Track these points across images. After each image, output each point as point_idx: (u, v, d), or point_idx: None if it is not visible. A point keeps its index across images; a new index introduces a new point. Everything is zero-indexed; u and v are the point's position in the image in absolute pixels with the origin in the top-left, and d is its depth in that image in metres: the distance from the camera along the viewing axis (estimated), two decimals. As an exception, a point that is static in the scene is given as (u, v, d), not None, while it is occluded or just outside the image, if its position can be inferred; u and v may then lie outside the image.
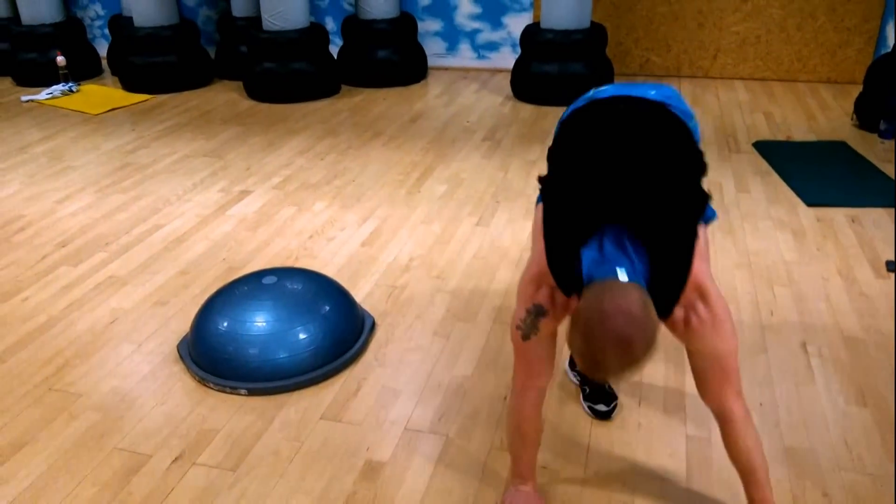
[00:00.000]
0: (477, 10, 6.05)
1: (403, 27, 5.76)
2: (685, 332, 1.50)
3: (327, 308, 2.38)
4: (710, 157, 4.05)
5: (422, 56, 5.96)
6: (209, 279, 2.90)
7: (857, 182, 3.69)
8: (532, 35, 5.18)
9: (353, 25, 5.73)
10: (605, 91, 1.65)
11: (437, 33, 6.21)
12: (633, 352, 1.26)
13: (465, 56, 6.23)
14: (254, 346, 2.24)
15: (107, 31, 6.91)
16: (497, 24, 6.06)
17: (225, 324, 2.29)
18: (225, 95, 5.61)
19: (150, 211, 3.56)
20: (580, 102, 1.65)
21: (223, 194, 3.74)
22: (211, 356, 2.28)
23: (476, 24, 6.11)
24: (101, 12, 7.02)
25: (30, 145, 4.56)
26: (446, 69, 6.25)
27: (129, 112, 5.26)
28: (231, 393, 2.23)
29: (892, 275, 2.80)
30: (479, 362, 2.35)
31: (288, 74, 5.32)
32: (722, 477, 1.87)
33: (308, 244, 3.18)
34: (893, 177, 3.71)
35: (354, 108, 5.21)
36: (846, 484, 1.84)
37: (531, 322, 1.55)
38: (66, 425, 2.11)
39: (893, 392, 2.17)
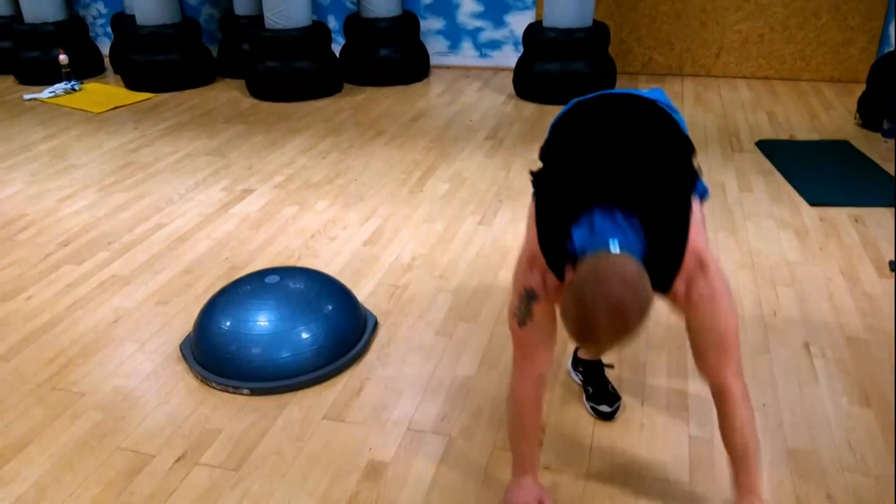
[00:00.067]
0: (479, 8, 6.04)
1: (405, 26, 5.75)
2: (686, 306, 1.50)
3: (330, 307, 2.38)
4: (713, 157, 4.04)
5: (424, 55, 5.96)
6: (212, 278, 2.90)
7: (860, 181, 3.68)
8: (534, 33, 5.17)
9: (356, 24, 5.73)
10: (591, 96, 1.70)
11: (439, 32, 6.21)
12: (626, 317, 1.26)
13: (467, 55, 6.22)
14: (256, 346, 2.24)
15: (109, 29, 6.92)
16: (499, 23, 6.05)
17: (227, 323, 2.29)
18: (227, 94, 5.61)
19: (153, 210, 3.56)
20: (569, 106, 1.70)
21: (225, 193, 3.74)
22: (213, 355, 2.28)
23: (478, 23, 6.10)
24: (104, 10, 7.02)
25: (32, 144, 4.57)
26: (448, 68, 6.25)
27: (131, 110, 5.26)
28: (234, 392, 2.23)
29: (894, 275, 2.79)
30: (481, 362, 2.35)
31: (290, 73, 5.32)
32: (725, 477, 1.86)
33: (310, 243, 3.18)
34: (894, 176, 3.71)
35: (357, 106, 5.21)
36: (850, 485, 1.84)
37: (524, 307, 1.56)
38: (68, 425, 2.11)
39: (894, 392, 2.17)
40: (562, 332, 2.44)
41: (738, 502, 1.63)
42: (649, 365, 2.31)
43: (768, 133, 4.43)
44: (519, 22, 5.99)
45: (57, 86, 5.72)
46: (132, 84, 5.75)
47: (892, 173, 3.75)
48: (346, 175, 3.94)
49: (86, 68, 6.14)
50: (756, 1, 5.47)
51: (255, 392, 2.22)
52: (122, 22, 6.19)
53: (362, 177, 3.91)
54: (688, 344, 2.39)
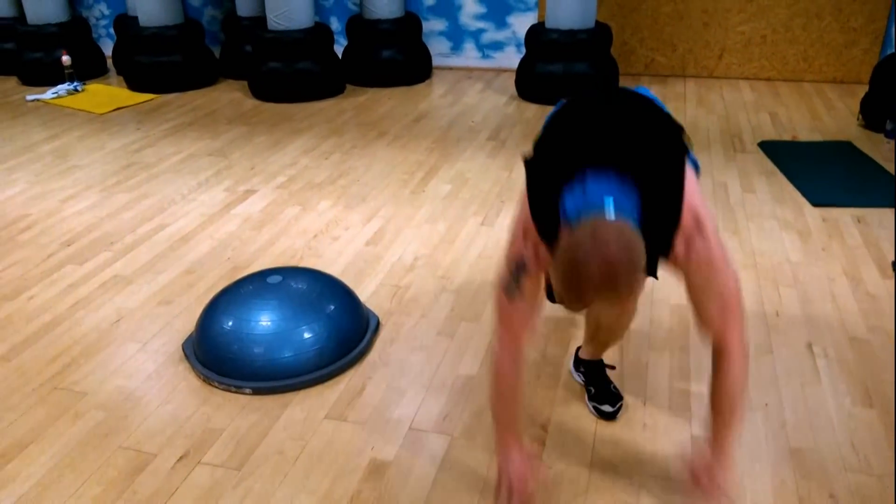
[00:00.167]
0: (481, 9, 6.04)
1: (408, 27, 5.76)
2: (686, 267, 1.50)
3: (332, 307, 2.38)
4: (716, 157, 4.04)
5: (426, 56, 5.96)
6: (214, 278, 2.90)
7: (862, 182, 3.68)
8: (537, 35, 5.17)
9: (358, 25, 5.74)
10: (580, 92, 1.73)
11: (441, 33, 6.21)
12: (617, 276, 1.27)
13: (469, 56, 6.23)
14: (258, 346, 2.24)
15: (112, 30, 6.93)
16: (502, 24, 6.05)
17: (230, 323, 2.29)
18: (230, 95, 5.62)
19: (156, 210, 3.56)
20: (559, 105, 1.72)
21: (228, 193, 3.74)
22: (216, 355, 2.28)
23: (481, 24, 6.10)
24: (107, 12, 7.03)
25: (35, 144, 4.57)
26: (451, 69, 6.25)
27: (134, 111, 5.26)
28: (236, 392, 2.23)
29: (895, 275, 2.79)
30: (483, 362, 2.35)
31: (293, 74, 5.33)
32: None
33: (313, 243, 3.18)
34: (894, 176, 3.70)
35: (359, 107, 5.21)
36: (853, 485, 1.83)
37: (514, 281, 1.56)
38: (71, 424, 2.11)
39: (894, 393, 2.16)
40: (560, 335, 2.44)
41: (709, 458, 1.62)
42: (651, 365, 2.31)
43: (771, 134, 4.42)
44: (521, 23, 5.99)
45: (60, 87, 5.73)
46: (135, 85, 5.76)
47: (895, 174, 3.74)
48: (349, 176, 3.94)
49: (89, 69, 6.15)
50: (758, 2, 5.46)
51: (257, 392, 2.22)
52: (124, 23, 6.21)
53: (365, 177, 3.91)
54: (689, 344, 2.39)
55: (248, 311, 2.30)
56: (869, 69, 5.39)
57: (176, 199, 3.69)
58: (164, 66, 5.66)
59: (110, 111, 5.26)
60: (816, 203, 3.43)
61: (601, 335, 2.05)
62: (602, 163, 1.41)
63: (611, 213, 1.33)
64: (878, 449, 1.95)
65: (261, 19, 5.77)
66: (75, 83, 5.78)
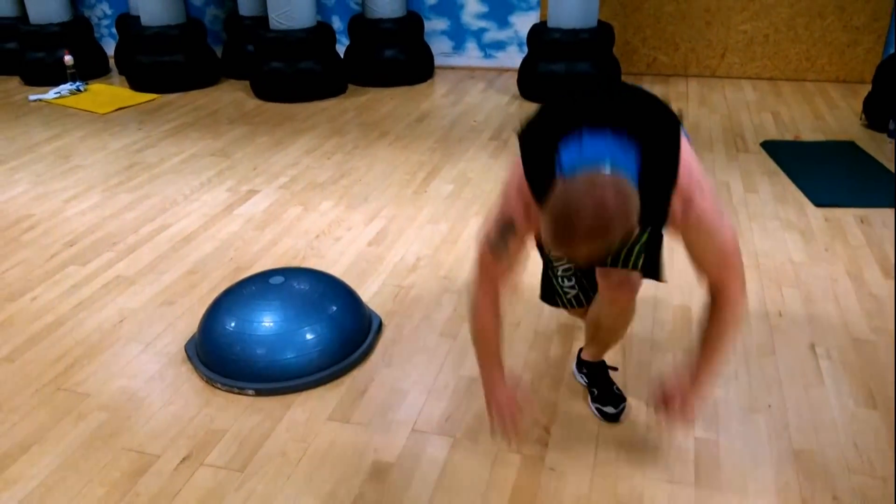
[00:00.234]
0: (483, 9, 6.04)
1: (410, 26, 5.75)
2: (685, 227, 1.51)
3: (334, 308, 2.38)
4: (718, 157, 4.03)
5: (428, 55, 5.96)
6: (216, 279, 2.91)
7: (865, 182, 3.67)
8: (539, 34, 5.17)
9: (360, 24, 5.73)
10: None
11: (443, 32, 6.21)
12: (609, 225, 1.28)
13: (471, 55, 6.22)
14: (261, 347, 2.24)
15: (114, 30, 6.93)
16: (504, 24, 6.05)
17: (232, 324, 2.29)
18: (232, 95, 5.62)
19: (158, 210, 3.57)
20: None
21: (230, 194, 3.75)
22: (218, 356, 2.28)
23: (483, 23, 6.10)
24: (109, 11, 7.03)
25: (38, 144, 4.58)
26: (453, 68, 6.25)
27: (136, 111, 5.27)
28: (238, 393, 2.23)
29: (895, 275, 2.79)
30: (486, 363, 2.35)
31: (295, 74, 5.33)
32: (730, 479, 1.86)
33: (315, 244, 3.18)
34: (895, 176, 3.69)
35: (361, 107, 5.21)
36: (856, 487, 1.83)
37: (502, 239, 1.59)
38: (74, 425, 2.11)
39: (894, 393, 2.16)
40: (563, 337, 2.44)
41: (685, 384, 1.70)
42: (654, 366, 2.31)
43: (773, 134, 4.42)
44: (523, 22, 5.99)
45: (62, 86, 5.73)
46: (137, 85, 5.76)
47: (898, 174, 3.74)
48: (351, 176, 3.94)
49: (91, 69, 6.15)
50: (761, 1, 5.45)
51: (259, 393, 2.22)
52: (127, 23, 6.21)
53: (367, 177, 3.91)
54: (692, 345, 2.39)
55: (250, 311, 2.30)
56: (872, 68, 5.38)
57: (178, 200, 3.69)
58: (166, 65, 5.66)
59: (112, 111, 5.26)
60: (819, 203, 3.42)
61: (601, 335, 2.05)
62: (599, 123, 1.43)
63: (608, 168, 1.34)
64: (881, 450, 1.95)
65: (263, 19, 5.76)
66: (77, 83, 5.79)
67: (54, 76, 5.90)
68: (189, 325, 2.59)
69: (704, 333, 1.67)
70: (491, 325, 1.73)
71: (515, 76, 5.67)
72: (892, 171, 3.78)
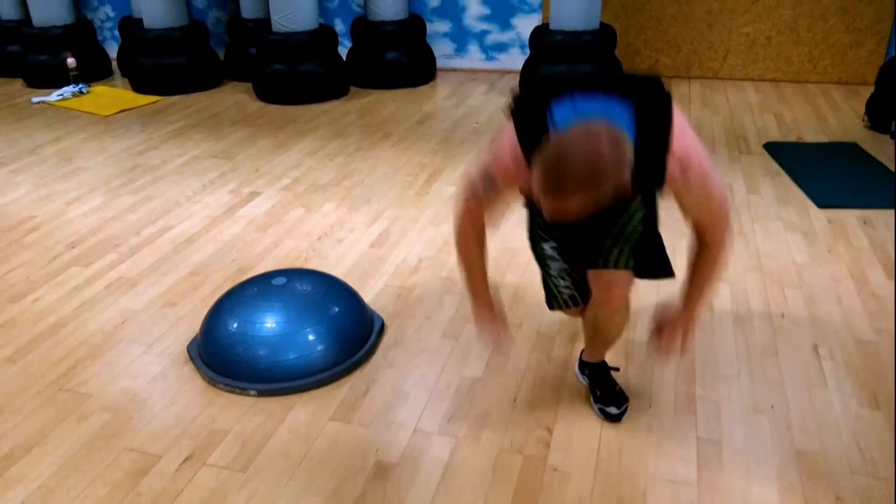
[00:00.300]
0: (485, 11, 6.04)
1: (412, 29, 5.76)
2: (684, 186, 1.55)
3: (337, 309, 2.38)
4: (720, 159, 4.03)
5: (430, 57, 5.97)
6: (219, 280, 2.91)
7: (868, 183, 3.66)
8: (541, 36, 5.17)
9: (362, 27, 5.74)
10: None
11: (445, 35, 6.21)
12: (601, 174, 1.30)
13: (473, 57, 6.23)
14: (263, 347, 2.24)
15: (117, 32, 6.95)
16: (506, 26, 6.05)
17: (235, 325, 2.29)
18: (234, 97, 5.63)
19: (160, 212, 3.57)
20: None
21: (233, 195, 3.75)
22: (221, 357, 2.28)
23: (484, 26, 6.10)
24: (112, 14, 7.05)
25: (40, 146, 4.59)
26: (455, 70, 6.25)
27: (138, 113, 5.28)
28: (241, 394, 2.23)
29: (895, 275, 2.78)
30: (488, 364, 2.35)
31: (297, 76, 5.34)
32: (733, 480, 1.86)
33: (317, 245, 3.18)
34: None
35: (363, 109, 5.22)
36: (859, 488, 1.83)
37: (482, 187, 1.68)
38: (76, 426, 2.11)
39: (894, 393, 2.15)
40: (565, 337, 2.44)
41: (676, 311, 1.82)
42: (656, 367, 2.30)
43: (776, 135, 4.41)
44: (525, 25, 5.99)
45: (65, 89, 5.75)
46: (139, 87, 5.77)
47: (901, 175, 3.73)
48: (353, 177, 3.94)
49: (93, 71, 6.17)
50: (763, 3, 5.45)
51: (262, 393, 2.22)
52: (129, 25, 6.23)
53: (369, 179, 3.91)
54: (695, 346, 2.38)
55: (252, 312, 2.30)
56: (874, 70, 5.37)
57: (181, 201, 3.69)
58: (168, 68, 5.67)
59: (115, 113, 5.27)
60: (822, 204, 3.42)
61: (598, 336, 2.06)
62: (591, 88, 1.47)
63: (603, 120, 1.37)
64: (884, 451, 1.94)
65: (265, 21, 5.78)
66: (80, 85, 5.80)
67: (57, 78, 5.91)
68: (191, 326, 2.59)
69: (695, 269, 1.76)
70: (475, 251, 1.86)
71: (517, 78, 5.68)
72: (895, 172, 3.78)
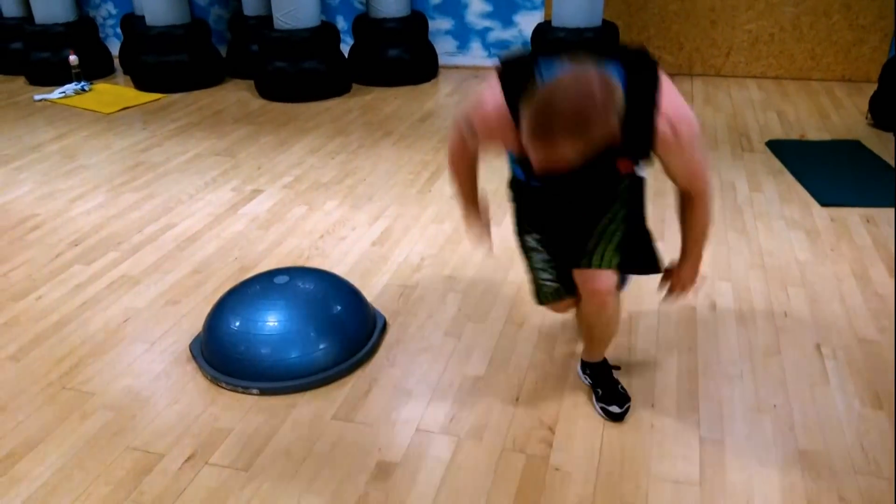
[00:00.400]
0: (488, 8, 6.03)
1: (414, 26, 5.75)
2: (676, 146, 1.60)
3: (339, 308, 2.38)
4: (723, 157, 4.02)
5: (432, 55, 5.96)
6: (221, 278, 2.91)
7: (871, 182, 3.66)
8: (543, 33, 5.16)
9: (364, 24, 5.73)
10: None
11: (447, 32, 6.20)
12: (590, 117, 1.33)
13: (475, 55, 6.22)
14: (266, 346, 2.24)
15: (119, 30, 6.95)
16: (508, 23, 6.04)
17: (237, 323, 2.29)
18: (236, 94, 5.62)
19: (163, 210, 3.57)
20: None
21: (235, 193, 3.75)
22: (223, 355, 2.28)
23: (487, 23, 6.09)
24: (114, 11, 7.05)
25: (43, 144, 4.59)
26: (457, 68, 6.25)
27: (141, 111, 5.28)
28: (243, 392, 2.23)
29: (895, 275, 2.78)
30: (490, 362, 2.35)
31: (299, 73, 5.33)
32: (736, 479, 1.85)
33: (319, 243, 3.18)
34: (909, 176, 3.68)
35: (365, 106, 5.21)
36: (862, 487, 1.82)
37: (466, 129, 1.79)
38: (79, 424, 2.11)
39: (894, 393, 2.15)
40: (567, 336, 2.43)
41: (680, 263, 1.94)
42: (659, 366, 2.30)
43: (779, 133, 4.40)
44: (528, 22, 5.98)
45: (67, 86, 5.75)
46: (142, 85, 5.77)
47: (904, 173, 3.72)
48: (355, 175, 3.94)
49: (96, 69, 6.17)
50: (766, 0, 5.44)
51: (264, 392, 2.22)
52: (131, 23, 6.22)
53: (371, 177, 3.91)
54: (697, 345, 2.38)
55: (255, 311, 2.30)
56: (878, 67, 5.36)
57: (183, 199, 3.69)
58: (170, 65, 5.67)
59: (117, 111, 5.27)
60: (825, 202, 3.41)
61: (591, 335, 2.09)
62: (579, 52, 1.51)
63: (594, 67, 1.40)
64: (887, 450, 1.94)
65: (267, 18, 5.77)
66: (82, 83, 5.80)
67: (59, 76, 5.91)
68: (194, 324, 2.59)
69: (686, 226, 1.87)
70: (464, 167, 2.00)
71: (520, 75, 5.67)
72: (898, 170, 3.77)
